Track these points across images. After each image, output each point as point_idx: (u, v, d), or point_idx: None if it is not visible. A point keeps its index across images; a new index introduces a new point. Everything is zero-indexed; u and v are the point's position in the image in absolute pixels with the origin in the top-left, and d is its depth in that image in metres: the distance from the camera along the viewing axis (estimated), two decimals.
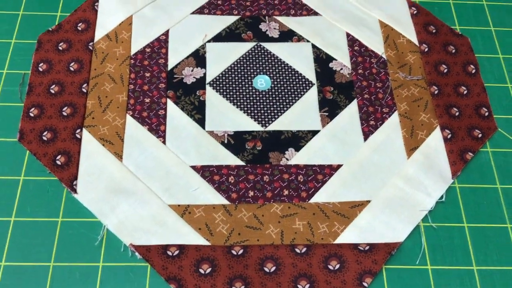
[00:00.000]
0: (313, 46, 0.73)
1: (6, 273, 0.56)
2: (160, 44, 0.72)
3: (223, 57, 0.72)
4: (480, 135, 0.67)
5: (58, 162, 0.62)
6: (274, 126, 0.67)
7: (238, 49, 0.72)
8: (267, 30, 0.74)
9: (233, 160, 0.64)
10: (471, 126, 0.68)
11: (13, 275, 0.56)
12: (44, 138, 0.63)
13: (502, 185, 0.64)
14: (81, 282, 0.56)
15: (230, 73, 0.70)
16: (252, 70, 0.71)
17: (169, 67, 0.70)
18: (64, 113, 0.65)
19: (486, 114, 0.69)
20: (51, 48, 0.70)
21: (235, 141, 0.65)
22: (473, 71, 0.72)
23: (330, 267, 0.57)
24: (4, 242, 0.57)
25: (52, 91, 0.67)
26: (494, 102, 0.71)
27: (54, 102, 0.66)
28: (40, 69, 0.68)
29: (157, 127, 0.65)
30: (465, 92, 0.70)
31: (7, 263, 0.56)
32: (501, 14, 0.79)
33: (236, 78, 0.70)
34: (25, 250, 0.57)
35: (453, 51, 0.74)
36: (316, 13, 0.76)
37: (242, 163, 0.64)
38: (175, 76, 0.70)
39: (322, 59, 0.72)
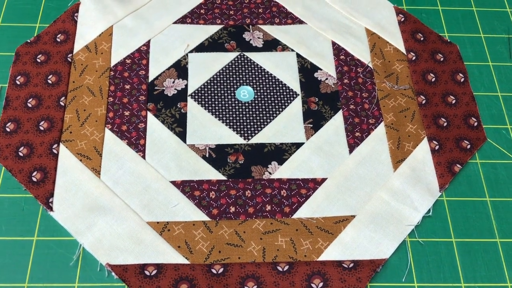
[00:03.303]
0: (298, 55, 0.72)
1: None
2: (141, 55, 0.70)
3: (205, 67, 0.70)
4: (469, 146, 0.65)
5: (34, 179, 0.60)
6: (257, 138, 0.65)
7: (221, 59, 0.71)
8: (251, 39, 0.73)
9: (214, 174, 0.62)
10: (459, 136, 0.66)
11: None
12: (20, 154, 0.62)
13: (491, 198, 0.63)
14: None
15: (212, 84, 0.69)
16: (235, 81, 0.69)
17: (150, 79, 0.69)
18: (41, 128, 0.63)
19: (475, 124, 0.67)
20: (29, 61, 0.68)
21: (217, 155, 0.63)
22: (462, 79, 0.71)
23: (313, 285, 0.55)
24: None
25: (29, 105, 0.65)
26: (484, 112, 0.69)
27: (31, 116, 0.64)
28: (18, 82, 0.67)
29: (137, 141, 0.64)
30: (453, 101, 0.69)
31: None
32: (491, 21, 0.77)
33: (219, 89, 0.68)
34: None
35: (442, 59, 0.72)
36: (301, 22, 0.75)
37: (223, 177, 0.62)
38: (155, 88, 0.68)
39: (307, 69, 0.71)
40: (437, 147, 0.65)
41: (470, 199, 0.63)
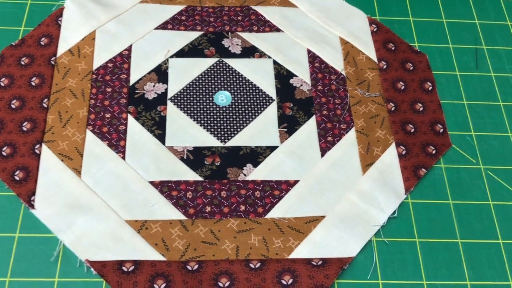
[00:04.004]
0: (275, 62, 0.75)
1: None
2: (123, 59, 0.73)
3: (185, 72, 0.73)
4: (434, 152, 0.69)
5: (17, 178, 0.62)
6: (234, 142, 0.68)
7: (200, 65, 0.74)
8: (229, 46, 0.76)
9: (192, 175, 0.65)
10: (425, 142, 0.69)
11: None
12: (4, 153, 0.64)
13: (454, 201, 0.66)
14: None
15: (191, 88, 0.72)
16: (213, 86, 0.72)
17: (131, 82, 0.71)
18: (24, 128, 0.66)
19: (441, 130, 0.71)
20: (13, 63, 0.70)
21: (194, 157, 0.66)
22: (430, 88, 0.74)
23: (284, 281, 0.58)
24: None
25: (13, 106, 0.67)
26: (450, 119, 0.73)
27: (15, 117, 0.66)
28: (2, 84, 0.69)
29: (117, 143, 0.66)
30: (421, 109, 0.72)
31: None
32: (460, 32, 0.81)
33: (198, 93, 0.71)
34: None
35: (411, 68, 0.76)
36: (278, 30, 0.78)
37: (200, 178, 0.65)
38: (136, 91, 0.71)
39: (282, 75, 0.74)
40: (404, 152, 0.68)
41: (434, 202, 0.66)
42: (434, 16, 0.82)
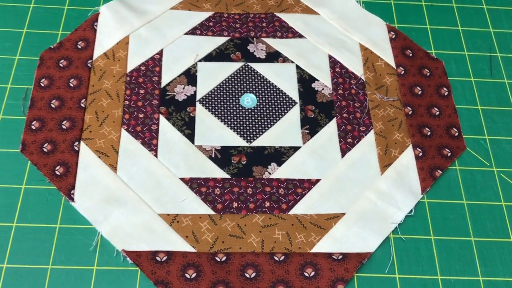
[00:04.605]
0: (297, 67, 0.79)
1: (7, 274, 0.61)
2: (154, 62, 0.77)
3: (212, 76, 0.77)
4: (449, 154, 0.72)
5: (57, 172, 0.67)
6: (259, 142, 0.72)
7: (227, 69, 0.78)
8: (254, 51, 0.80)
9: (219, 173, 0.69)
10: (441, 145, 0.73)
11: (14, 277, 0.61)
12: (45, 150, 0.68)
13: (468, 201, 0.70)
14: (76, 284, 0.61)
15: (219, 91, 0.76)
16: (239, 89, 0.76)
17: (162, 85, 0.75)
18: (64, 127, 0.70)
19: (456, 134, 0.74)
20: (52, 65, 0.75)
21: (222, 156, 0.70)
22: (446, 93, 0.78)
23: (306, 274, 0.62)
24: (6, 246, 0.62)
25: (53, 106, 0.71)
26: (464, 123, 0.76)
27: (55, 116, 0.71)
28: (42, 85, 0.73)
29: (150, 141, 0.70)
30: (437, 113, 0.76)
31: (9, 265, 0.61)
32: (475, 40, 0.84)
33: (224, 96, 0.75)
34: (25, 253, 0.62)
35: (428, 74, 0.79)
36: (301, 36, 0.82)
37: (227, 176, 0.69)
38: (167, 93, 0.75)
39: (305, 80, 0.78)
40: (420, 154, 0.72)
41: (448, 202, 0.69)
42: (450, 25, 0.85)
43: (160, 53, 0.78)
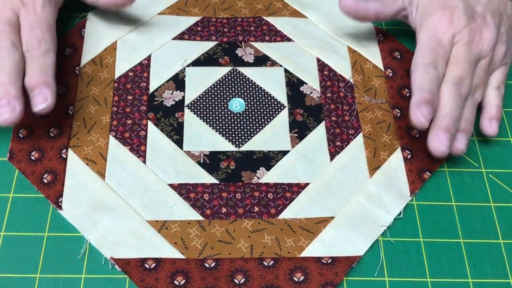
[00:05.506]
0: (286, 70, 0.79)
1: None
2: (142, 68, 0.77)
3: (201, 81, 0.77)
4: None
5: (45, 180, 0.66)
6: (247, 146, 0.72)
7: (215, 73, 0.78)
8: (243, 55, 0.80)
9: (208, 178, 0.69)
10: None
11: (3, 286, 0.60)
12: (32, 158, 0.68)
13: (456, 203, 0.70)
14: None
15: (207, 96, 0.76)
16: (228, 93, 0.76)
17: (150, 90, 0.75)
18: (51, 134, 0.70)
19: None
20: None
21: (210, 161, 0.70)
22: None
23: (295, 278, 0.62)
24: None
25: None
26: None
27: (42, 124, 0.70)
28: None
29: (138, 147, 0.70)
30: None
31: None
32: None
33: (213, 101, 0.75)
34: (13, 262, 0.62)
35: None
36: (289, 39, 0.82)
37: (216, 181, 0.69)
38: (155, 99, 0.75)
39: (293, 83, 0.78)
40: (409, 156, 0.72)
41: (437, 204, 0.70)
42: None
43: (148, 58, 0.78)
